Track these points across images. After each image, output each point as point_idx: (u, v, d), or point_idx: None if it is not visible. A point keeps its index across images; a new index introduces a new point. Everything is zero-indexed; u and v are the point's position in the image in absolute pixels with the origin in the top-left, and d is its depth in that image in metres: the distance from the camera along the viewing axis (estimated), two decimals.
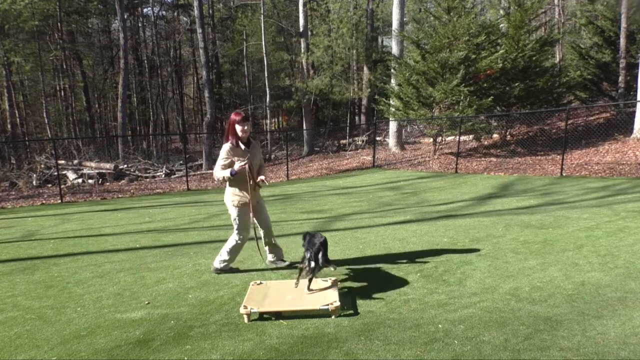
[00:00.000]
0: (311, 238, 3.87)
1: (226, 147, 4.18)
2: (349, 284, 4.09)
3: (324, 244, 3.79)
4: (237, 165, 4.06)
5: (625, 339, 2.86)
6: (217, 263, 4.49)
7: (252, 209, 4.30)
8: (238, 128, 4.12)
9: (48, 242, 6.48)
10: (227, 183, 4.28)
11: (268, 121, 28.45)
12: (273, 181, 13.98)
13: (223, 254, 4.46)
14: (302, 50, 22.52)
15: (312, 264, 3.68)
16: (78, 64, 28.71)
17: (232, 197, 4.28)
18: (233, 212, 4.30)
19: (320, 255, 3.69)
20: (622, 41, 15.03)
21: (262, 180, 4.27)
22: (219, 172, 4.17)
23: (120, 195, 11.95)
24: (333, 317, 3.37)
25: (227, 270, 4.51)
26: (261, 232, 4.53)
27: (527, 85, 14.85)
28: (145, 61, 32.54)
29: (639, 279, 3.87)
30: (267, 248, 4.63)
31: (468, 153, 15.63)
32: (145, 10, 34.00)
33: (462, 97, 14.16)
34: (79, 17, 28.16)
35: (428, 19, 19.12)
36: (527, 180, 10.46)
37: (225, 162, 4.16)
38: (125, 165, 16.78)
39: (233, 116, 4.17)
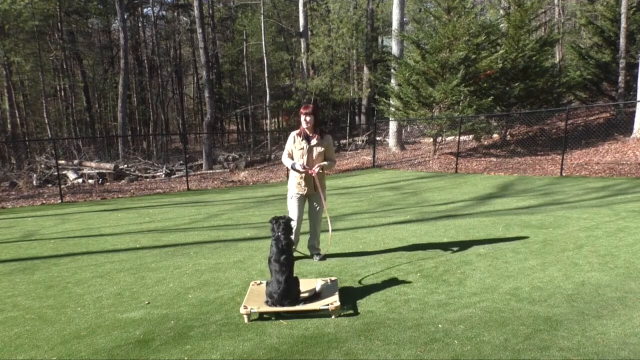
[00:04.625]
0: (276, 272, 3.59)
1: (291, 135, 4.63)
2: (349, 284, 4.09)
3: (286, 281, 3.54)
4: (299, 165, 4.50)
5: (625, 339, 2.86)
6: None
7: (308, 200, 4.70)
8: (301, 118, 4.52)
9: (48, 242, 6.48)
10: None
11: (268, 121, 28.46)
12: (272, 181, 13.99)
13: None
14: (302, 50, 22.53)
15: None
16: (78, 64, 28.69)
17: (290, 184, 4.74)
18: (288, 197, 4.74)
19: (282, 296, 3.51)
20: (622, 41, 15.03)
21: (309, 170, 4.50)
22: (285, 158, 4.67)
23: (120, 195, 11.95)
24: (333, 317, 3.37)
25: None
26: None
27: (527, 85, 14.85)
28: (145, 61, 32.51)
29: (639, 279, 3.87)
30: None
31: (468, 153, 15.63)
32: (145, 10, 34.00)
33: (462, 97, 14.16)
34: (79, 17, 28.13)
35: (428, 19, 19.14)
36: (527, 180, 10.46)
37: (287, 149, 4.64)
38: (126, 165, 16.77)
39: (301, 109, 4.56)
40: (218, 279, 4.41)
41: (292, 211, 4.71)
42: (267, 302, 3.54)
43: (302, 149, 4.52)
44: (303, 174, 4.58)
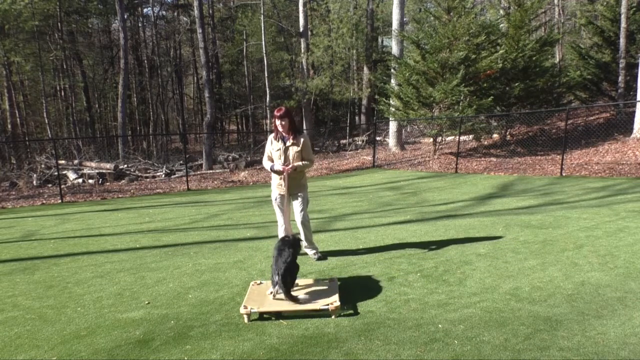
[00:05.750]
0: (278, 257, 3.70)
1: (269, 137, 4.77)
2: (349, 284, 4.09)
3: (287, 269, 3.61)
4: (277, 166, 4.62)
5: (625, 339, 2.86)
6: None
7: (291, 199, 4.77)
8: (277, 122, 4.58)
9: (48, 242, 6.48)
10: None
11: (268, 121, 28.42)
12: None
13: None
14: (302, 50, 22.52)
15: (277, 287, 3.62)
16: (78, 64, 28.68)
17: (272, 185, 4.88)
18: (272, 199, 4.86)
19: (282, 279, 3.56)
20: (622, 41, 15.04)
21: (285, 168, 4.58)
22: (265, 162, 4.80)
23: (120, 195, 11.95)
24: (333, 317, 3.37)
25: None
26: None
27: (527, 85, 14.85)
28: (145, 61, 32.52)
29: (639, 279, 3.87)
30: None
31: (468, 153, 15.63)
32: (145, 10, 34.02)
33: (462, 97, 14.16)
34: (79, 17, 28.13)
35: (428, 19, 19.11)
36: (527, 180, 10.47)
37: (266, 152, 4.77)
38: (126, 165, 16.77)
39: (275, 112, 4.61)
40: (218, 279, 4.41)
41: (278, 212, 4.83)
42: (271, 290, 3.65)
43: (279, 149, 4.64)
44: (280, 178, 4.70)
